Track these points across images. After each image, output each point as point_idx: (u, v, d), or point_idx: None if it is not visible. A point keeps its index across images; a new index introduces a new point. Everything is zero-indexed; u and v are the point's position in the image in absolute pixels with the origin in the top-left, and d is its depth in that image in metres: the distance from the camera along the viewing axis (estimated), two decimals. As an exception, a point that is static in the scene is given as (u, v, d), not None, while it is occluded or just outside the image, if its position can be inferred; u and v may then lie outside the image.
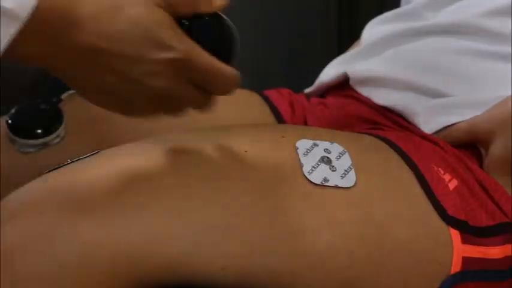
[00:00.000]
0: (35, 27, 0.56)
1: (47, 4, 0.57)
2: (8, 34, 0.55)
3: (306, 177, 0.65)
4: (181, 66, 0.60)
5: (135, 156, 0.64)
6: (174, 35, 0.60)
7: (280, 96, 0.97)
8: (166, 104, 0.63)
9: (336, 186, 0.65)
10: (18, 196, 0.61)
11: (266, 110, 0.94)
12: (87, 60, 0.59)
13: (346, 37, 1.54)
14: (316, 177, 0.65)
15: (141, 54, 0.59)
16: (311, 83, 1.02)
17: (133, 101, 0.62)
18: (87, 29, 0.58)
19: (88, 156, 0.65)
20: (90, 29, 0.58)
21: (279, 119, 0.93)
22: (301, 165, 0.65)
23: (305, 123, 0.94)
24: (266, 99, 0.96)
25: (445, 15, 0.90)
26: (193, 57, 0.61)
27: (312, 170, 0.66)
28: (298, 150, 0.66)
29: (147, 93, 0.61)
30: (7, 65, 1.02)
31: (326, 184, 0.65)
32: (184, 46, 0.60)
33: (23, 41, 0.56)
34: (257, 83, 1.12)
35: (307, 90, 1.02)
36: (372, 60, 0.92)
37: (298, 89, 1.04)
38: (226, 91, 0.64)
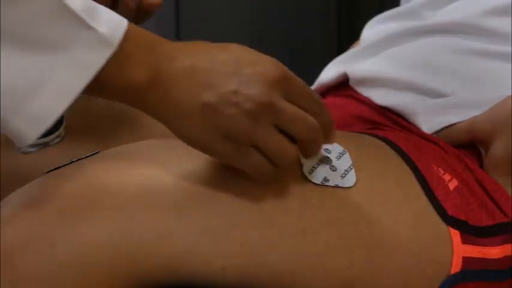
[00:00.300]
0: (128, 50, 0.56)
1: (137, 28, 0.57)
2: (102, 59, 0.55)
3: (306, 177, 0.65)
4: (278, 88, 0.59)
5: (135, 156, 0.64)
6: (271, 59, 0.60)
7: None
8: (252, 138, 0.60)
9: (336, 186, 0.65)
10: (18, 196, 0.61)
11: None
12: (184, 78, 0.58)
13: (345, 37, 1.54)
14: (316, 177, 0.65)
15: (238, 68, 0.58)
16: (311, 83, 1.02)
17: (224, 128, 0.59)
18: (183, 49, 0.59)
19: (88, 156, 0.65)
20: (186, 50, 0.59)
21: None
22: (301, 165, 0.65)
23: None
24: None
25: (445, 15, 0.90)
26: (291, 77, 0.60)
27: (312, 170, 0.66)
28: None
29: (241, 116, 0.58)
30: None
31: (326, 184, 0.65)
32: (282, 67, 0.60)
33: (118, 67, 0.56)
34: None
35: (307, 91, 1.01)
36: (372, 60, 0.92)
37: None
38: (313, 136, 0.61)
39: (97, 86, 0.56)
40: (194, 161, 0.64)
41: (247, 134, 0.58)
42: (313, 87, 1.01)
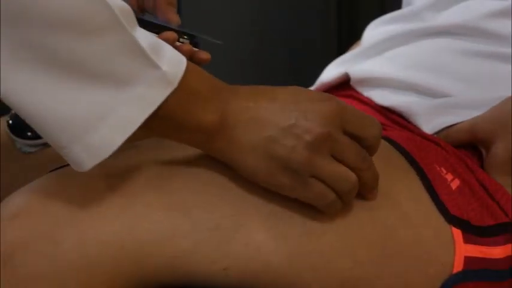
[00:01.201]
0: (194, 88, 0.59)
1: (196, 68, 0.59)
2: (163, 96, 0.56)
3: None
4: (335, 120, 0.61)
5: (138, 156, 0.64)
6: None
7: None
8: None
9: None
10: (19, 196, 0.61)
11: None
12: (247, 116, 0.60)
13: (345, 37, 1.54)
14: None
15: (297, 103, 0.61)
16: (311, 83, 1.02)
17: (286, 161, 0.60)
18: (241, 89, 0.62)
19: None
20: (244, 90, 0.62)
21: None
22: None
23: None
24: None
25: (446, 17, 0.90)
26: (348, 110, 0.62)
27: None
28: None
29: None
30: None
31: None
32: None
33: (185, 105, 0.58)
34: (257, 83, 1.12)
35: (308, 90, 1.02)
36: (373, 60, 0.92)
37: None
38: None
39: (166, 125, 0.59)
40: (201, 161, 0.64)
41: (307, 164, 0.60)
42: (314, 86, 1.01)
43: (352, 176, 0.62)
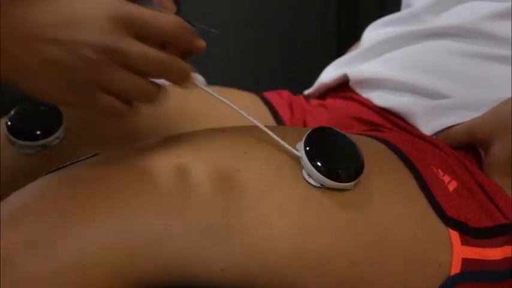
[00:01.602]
0: None
1: None
2: None
3: (306, 179, 0.65)
4: (120, 29, 0.58)
5: (135, 158, 0.64)
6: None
7: (280, 98, 0.97)
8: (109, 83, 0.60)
9: (336, 188, 0.65)
10: (18, 197, 0.61)
11: (265, 112, 0.94)
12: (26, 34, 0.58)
13: (345, 38, 1.54)
14: (314, 180, 0.65)
15: (74, 16, 0.58)
16: (310, 84, 1.02)
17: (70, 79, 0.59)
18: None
19: (87, 157, 0.65)
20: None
21: (278, 121, 0.93)
22: (301, 167, 0.65)
23: (304, 125, 0.94)
24: (265, 101, 0.96)
25: (445, 19, 0.90)
26: (133, 14, 0.59)
27: (312, 172, 0.66)
28: (298, 152, 0.66)
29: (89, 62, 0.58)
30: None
31: (325, 186, 0.65)
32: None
33: None
34: (256, 84, 1.12)
35: (307, 92, 1.02)
36: (372, 62, 0.93)
37: (297, 90, 1.04)
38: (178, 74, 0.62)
39: None
40: (195, 161, 0.64)
41: (93, 81, 0.59)
42: (313, 88, 1.01)
43: (142, 85, 0.60)
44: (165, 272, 0.60)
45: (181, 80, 0.63)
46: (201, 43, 0.63)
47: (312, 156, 0.65)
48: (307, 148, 0.65)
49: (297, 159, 0.65)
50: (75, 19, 0.58)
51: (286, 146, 0.65)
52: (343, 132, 0.69)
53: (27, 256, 0.57)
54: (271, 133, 0.66)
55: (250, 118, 0.66)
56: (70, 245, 0.58)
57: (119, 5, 0.60)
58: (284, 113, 0.94)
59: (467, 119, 0.80)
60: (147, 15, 0.60)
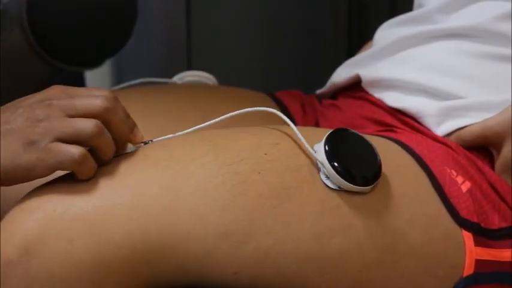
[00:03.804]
0: None
1: None
2: None
3: (323, 182, 0.65)
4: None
5: (150, 159, 0.64)
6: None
7: (292, 98, 0.97)
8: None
9: (351, 191, 0.65)
10: (35, 194, 0.61)
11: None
12: None
13: (356, 38, 1.54)
14: (332, 182, 0.65)
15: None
16: (321, 84, 1.02)
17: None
18: None
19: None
20: None
21: (290, 121, 0.93)
22: (318, 170, 0.65)
23: (317, 125, 0.94)
24: (277, 101, 0.96)
25: (457, 19, 0.90)
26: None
27: (329, 175, 0.65)
28: (315, 154, 0.66)
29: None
30: (17, 66, 1.03)
31: (342, 188, 0.65)
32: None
33: None
34: (268, 84, 1.12)
35: (319, 91, 1.02)
36: (384, 62, 0.92)
37: (308, 89, 1.04)
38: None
39: None
40: (215, 164, 0.64)
41: (44, 134, 0.59)
42: (325, 88, 1.01)
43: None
44: (178, 273, 0.61)
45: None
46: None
47: (331, 159, 0.64)
48: (327, 150, 0.65)
49: (314, 161, 0.65)
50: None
51: (309, 148, 0.65)
52: (361, 134, 0.68)
53: (43, 254, 0.58)
54: (300, 135, 0.66)
55: (284, 117, 0.67)
56: (85, 243, 0.58)
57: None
58: (296, 113, 0.94)
59: (480, 119, 0.80)
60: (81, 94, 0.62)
